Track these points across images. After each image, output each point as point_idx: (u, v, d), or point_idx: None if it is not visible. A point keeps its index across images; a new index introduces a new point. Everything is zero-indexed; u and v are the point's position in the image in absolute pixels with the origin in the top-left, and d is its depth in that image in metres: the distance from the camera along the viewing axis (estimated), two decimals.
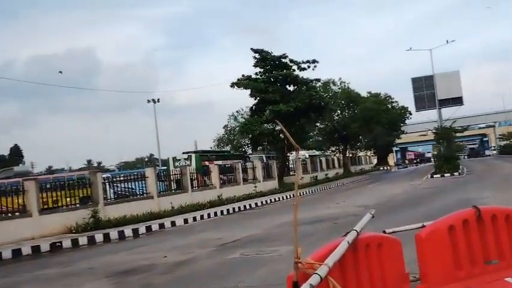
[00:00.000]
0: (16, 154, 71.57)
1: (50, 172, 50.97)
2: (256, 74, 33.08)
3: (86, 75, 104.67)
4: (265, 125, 32.65)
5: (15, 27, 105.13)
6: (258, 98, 32.47)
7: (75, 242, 14.45)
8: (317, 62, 32.94)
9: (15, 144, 72.33)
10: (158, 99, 54.77)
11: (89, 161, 79.07)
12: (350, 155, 56.15)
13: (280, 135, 33.21)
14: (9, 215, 16.03)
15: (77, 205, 17.77)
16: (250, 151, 42.27)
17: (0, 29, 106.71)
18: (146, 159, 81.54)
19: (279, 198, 25.58)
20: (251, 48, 32.41)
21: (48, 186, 18.63)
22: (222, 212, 20.50)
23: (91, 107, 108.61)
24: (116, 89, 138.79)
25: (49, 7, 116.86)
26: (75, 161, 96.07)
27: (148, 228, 16.56)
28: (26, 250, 13.41)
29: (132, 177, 22.02)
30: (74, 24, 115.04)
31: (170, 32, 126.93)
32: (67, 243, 14.30)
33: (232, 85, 32.19)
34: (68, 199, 18.10)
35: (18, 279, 9.56)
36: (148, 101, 54.54)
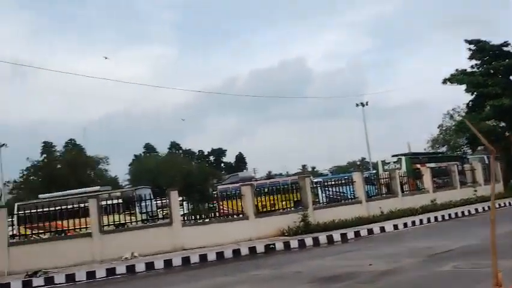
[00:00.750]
0: (241, 161, 79.47)
1: (269, 177, 54.90)
2: (471, 67, 30.45)
3: (298, 85, 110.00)
4: (486, 122, 29.47)
5: (236, 48, 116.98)
6: (475, 93, 29.72)
7: (287, 245, 15.20)
8: None
9: (240, 152, 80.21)
10: (367, 102, 54.20)
11: (303, 166, 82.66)
12: None
13: (506, 133, 29.62)
14: (235, 216, 17.77)
15: (289, 209, 18.68)
16: (470, 151, 38.73)
17: (225, 51, 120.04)
18: (358, 162, 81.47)
19: (504, 203, 22.66)
20: (465, 40, 29.92)
21: (264, 190, 20.20)
22: (435, 218, 19.13)
23: (304, 114, 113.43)
24: (326, 96, 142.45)
25: (261, 26, 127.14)
26: (292, 166, 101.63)
27: (357, 234, 16.41)
28: (244, 251, 14.67)
29: (342, 181, 22.20)
30: (285, 39, 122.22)
31: (376, 33, 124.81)
32: (279, 245, 15.15)
33: (445, 81, 30.16)
34: (283, 203, 19.24)
35: (234, 279, 10.45)
36: (357, 104, 54.38)
